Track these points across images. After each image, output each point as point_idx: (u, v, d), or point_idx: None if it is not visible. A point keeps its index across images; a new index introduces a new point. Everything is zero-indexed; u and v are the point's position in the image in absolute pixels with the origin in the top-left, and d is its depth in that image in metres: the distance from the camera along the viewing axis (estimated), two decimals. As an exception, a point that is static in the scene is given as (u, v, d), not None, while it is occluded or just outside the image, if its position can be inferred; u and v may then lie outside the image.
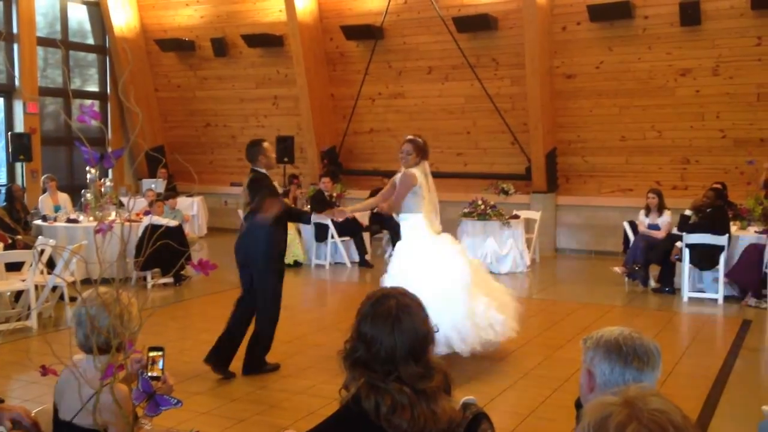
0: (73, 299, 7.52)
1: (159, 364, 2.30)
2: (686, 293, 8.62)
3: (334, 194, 11.63)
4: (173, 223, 9.40)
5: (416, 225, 6.08)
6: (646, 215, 9.57)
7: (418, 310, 2.23)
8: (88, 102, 14.75)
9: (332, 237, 10.99)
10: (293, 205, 9.55)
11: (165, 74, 15.59)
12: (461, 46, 12.36)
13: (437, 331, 2.27)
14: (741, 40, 10.81)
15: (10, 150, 12.76)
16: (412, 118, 13.34)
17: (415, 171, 6.03)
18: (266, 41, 13.91)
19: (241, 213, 6.47)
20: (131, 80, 15.04)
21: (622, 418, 1.28)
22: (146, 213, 9.89)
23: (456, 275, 5.83)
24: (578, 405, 2.28)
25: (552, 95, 12.14)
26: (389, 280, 5.85)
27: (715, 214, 8.65)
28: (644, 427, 1.26)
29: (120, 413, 2.07)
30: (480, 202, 10.63)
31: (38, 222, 9.89)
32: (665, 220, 9.38)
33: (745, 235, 8.83)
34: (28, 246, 7.47)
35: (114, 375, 1.94)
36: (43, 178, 12.16)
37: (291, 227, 9.70)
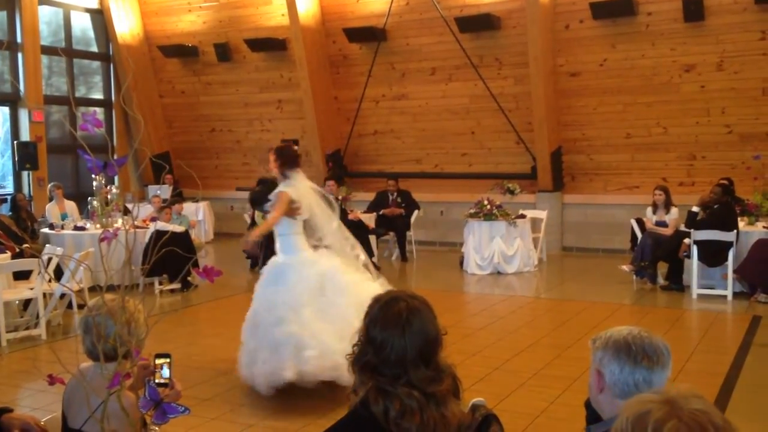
0: (81, 307, 7.54)
1: (166, 371, 2.29)
2: (695, 290, 8.58)
3: (340, 197, 11.62)
4: (179, 228, 9.41)
5: (289, 246, 5.47)
6: (654, 212, 9.54)
7: (427, 313, 2.22)
8: (92, 110, 14.80)
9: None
10: None
11: (169, 80, 15.63)
12: (464, 46, 12.34)
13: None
14: (745, 34, 10.77)
15: (16, 159, 12.81)
16: (416, 120, 13.33)
17: (285, 188, 5.38)
18: (269, 45, 13.92)
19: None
20: (135, 87, 15.08)
21: (662, 415, 1.28)
22: (153, 219, 9.91)
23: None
24: (588, 405, 2.27)
25: (556, 94, 12.12)
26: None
27: (723, 210, 8.61)
28: (684, 425, 1.25)
29: (128, 421, 2.07)
30: (486, 203, 10.60)
31: (45, 230, 9.92)
32: (672, 216, 9.35)
33: (753, 231, 8.79)
34: (35, 255, 7.48)
35: (121, 383, 1.93)
36: (49, 186, 12.21)
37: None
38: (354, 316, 5.11)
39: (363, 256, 5.64)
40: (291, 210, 5.36)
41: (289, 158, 5.48)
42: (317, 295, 5.21)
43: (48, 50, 13.76)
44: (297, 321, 5.12)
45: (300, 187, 5.44)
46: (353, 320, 5.10)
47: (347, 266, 5.39)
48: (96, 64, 15.37)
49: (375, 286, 5.18)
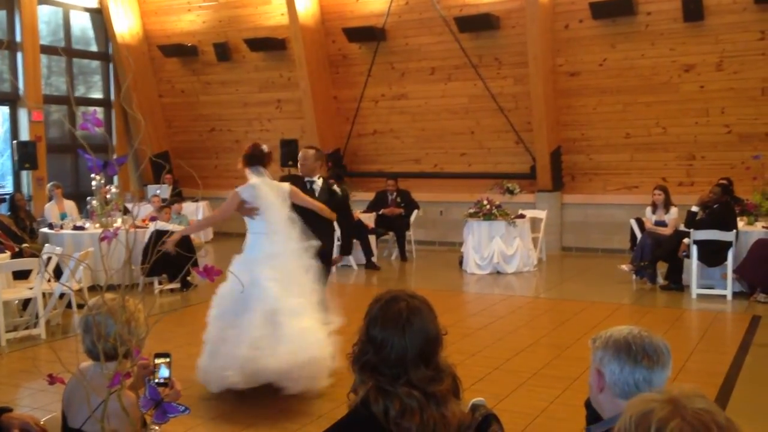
0: (80, 306, 7.53)
1: (166, 370, 2.29)
2: (695, 290, 8.58)
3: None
4: (179, 228, 9.39)
5: (248, 245, 5.47)
6: (653, 212, 9.55)
7: (428, 313, 2.22)
8: (91, 109, 14.81)
9: (338, 240, 10.96)
10: None
11: (168, 80, 15.62)
12: (464, 46, 12.34)
13: None
14: (744, 34, 10.77)
15: (15, 158, 12.80)
16: (416, 119, 13.33)
17: (241, 188, 5.44)
18: (269, 45, 13.92)
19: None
20: (135, 86, 15.08)
21: (665, 414, 1.28)
22: (152, 219, 9.90)
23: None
24: (588, 405, 2.27)
25: (555, 93, 12.11)
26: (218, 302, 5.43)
27: (722, 209, 8.62)
28: (688, 424, 1.26)
29: (128, 420, 2.07)
30: (485, 202, 10.61)
31: (45, 230, 9.92)
32: (672, 216, 9.36)
33: (753, 231, 8.80)
34: (34, 254, 7.48)
35: (121, 382, 1.93)
36: (48, 185, 12.20)
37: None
38: (260, 322, 5.09)
39: (314, 265, 5.53)
40: (244, 210, 5.42)
41: (252, 158, 5.49)
42: (238, 299, 5.19)
43: (47, 50, 13.75)
44: (217, 325, 5.28)
45: (263, 188, 5.42)
46: (255, 328, 5.06)
47: (287, 275, 5.30)
48: (95, 63, 15.36)
49: (296, 301, 5.22)
